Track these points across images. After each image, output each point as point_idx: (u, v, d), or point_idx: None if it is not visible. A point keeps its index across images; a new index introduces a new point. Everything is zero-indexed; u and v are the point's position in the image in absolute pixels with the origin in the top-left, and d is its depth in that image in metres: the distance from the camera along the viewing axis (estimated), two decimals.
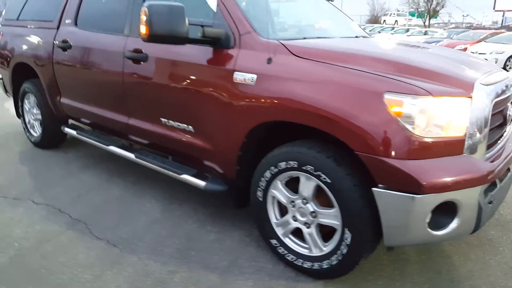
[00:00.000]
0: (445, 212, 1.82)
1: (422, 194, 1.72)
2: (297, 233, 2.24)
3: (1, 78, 4.78)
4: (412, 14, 39.62)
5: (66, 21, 3.58)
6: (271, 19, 2.77)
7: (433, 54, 2.61)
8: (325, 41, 2.61)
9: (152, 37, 2.26)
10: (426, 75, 1.94)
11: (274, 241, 2.29)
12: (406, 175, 1.72)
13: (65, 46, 3.48)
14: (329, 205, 2.04)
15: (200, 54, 2.47)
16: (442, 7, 43.81)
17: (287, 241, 2.26)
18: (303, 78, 2.01)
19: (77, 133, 3.67)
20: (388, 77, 1.84)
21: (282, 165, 2.11)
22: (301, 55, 2.10)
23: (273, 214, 2.30)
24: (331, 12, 3.33)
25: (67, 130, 3.80)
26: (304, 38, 2.46)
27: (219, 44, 2.38)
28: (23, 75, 4.35)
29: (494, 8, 49.78)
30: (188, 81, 2.54)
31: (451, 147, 1.83)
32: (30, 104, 4.32)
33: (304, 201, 2.11)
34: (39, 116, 4.19)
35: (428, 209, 1.78)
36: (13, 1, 4.62)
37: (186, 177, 2.71)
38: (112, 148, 3.28)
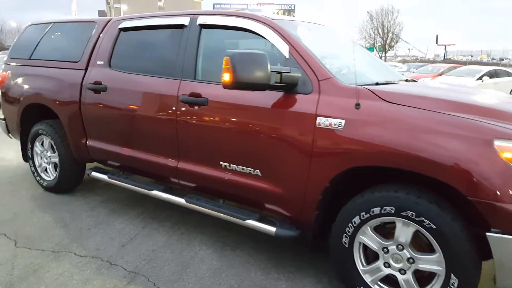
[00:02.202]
0: None
1: None
2: (386, 279, 2.23)
3: (4, 119, 4.50)
4: (370, 49, 41.96)
5: (98, 62, 3.47)
6: (336, 64, 2.83)
7: (493, 96, 2.76)
8: (404, 86, 2.67)
9: (236, 85, 2.25)
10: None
11: None
12: None
13: (98, 88, 3.36)
14: (428, 250, 2.06)
15: (271, 98, 2.48)
16: (396, 42, 46.78)
17: None
18: (401, 124, 2.06)
19: (108, 177, 3.49)
20: (491, 124, 1.92)
21: (376, 210, 2.12)
22: (392, 100, 2.15)
23: (359, 261, 2.28)
24: (370, 57, 3.46)
25: (95, 174, 3.60)
26: (377, 84, 2.53)
27: (295, 90, 2.40)
28: (34, 116, 4.14)
29: (436, 43, 54.08)
30: (257, 126, 2.52)
31: None
32: (43, 146, 4.07)
33: (400, 247, 2.12)
34: (55, 159, 3.96)
35: None
36: (22, 40, 4.43)
37: (252, 222, 2.65)
38: (156, 193, 3.16)
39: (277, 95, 2.46)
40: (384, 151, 2.07)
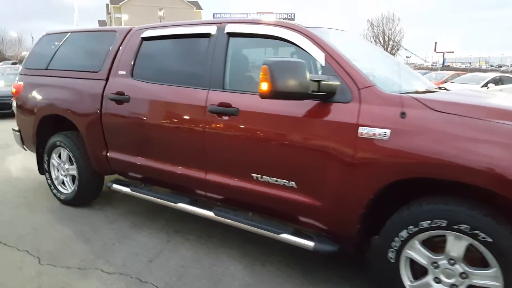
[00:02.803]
0: None
1: None
2: None
3: (19, 130, 4.42)
4: None
5: (119, 72, 3.40)
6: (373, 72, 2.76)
7: None
8: (446, 94, 2.58)
9: (274, 94, 2.18)
10: None
11: None
12: None
13: (121, 98, 3.29)
14: (481, 265, 1.97)
15: (306, 108, 2.40)
16: (397, 49, 46.95)
17: None
18: (451, 133, 1.97)
19: (131, 189, 3.40)
20: None
21: (425, 224, 2.03)
22: (440, 109, 2.07)
23: (406, 277, 2.19)
24: (399, 63, 3.39)
25: (116, 187, 3.51)
26: (417, 92, 2.46)
27: (333, 98, 2.33)
28: (50, 128, 4.06)
29: (435, 50, 54.32)
30: (293, 136, 2.44)
31: None
32: (60, 158, 3.98)
33: (451, 261, 2.03)
34: (73, 172, 3.87)
35: None
36: (38, 49, 4.37)
37: (287, 236, 2.56)
38: (182, 205, 3.07)
39: (312, 104, 2.39)
40: (434, 162, 1.98)
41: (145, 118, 3.16)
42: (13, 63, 37.96)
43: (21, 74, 4.39)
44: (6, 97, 11.19)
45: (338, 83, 2.32)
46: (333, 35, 2.85)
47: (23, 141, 4.43)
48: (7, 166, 5.51)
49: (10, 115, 10.98)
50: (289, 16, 41.81)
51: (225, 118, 2.71)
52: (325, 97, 2.32)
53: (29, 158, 5.71)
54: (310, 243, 2.47)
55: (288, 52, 2.88)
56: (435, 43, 53.66)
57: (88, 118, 3.56)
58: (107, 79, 3.48)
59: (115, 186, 3.52)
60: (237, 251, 3.07)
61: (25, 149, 4.52)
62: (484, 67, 56.32)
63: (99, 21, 53.16)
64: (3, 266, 2.81)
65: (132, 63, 3.35)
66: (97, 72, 3.56)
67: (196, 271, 2.78)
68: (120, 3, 45.63)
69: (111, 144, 3.48)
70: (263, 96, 2.23)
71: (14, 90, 4.37)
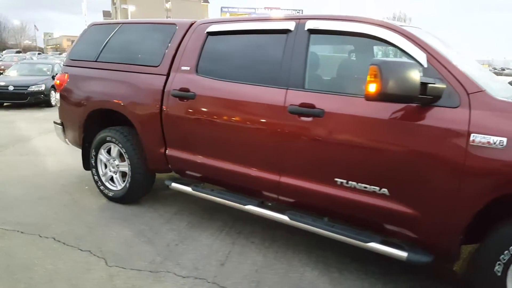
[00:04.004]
0: None
1: None
2: None
3: (61, 124, 4.29)
4: None
5: (182, 68, 3.27)
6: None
7: None
8: None
9: (383, 96, 2.07)
10: None
11: None
12: None
13: (185, 95, 3.16)
14: None
15: (405, 111, 2.28)
16: None
17: None
18: None
19: (192, 189, 3.28)
20: None
21: None
22: None
23: None
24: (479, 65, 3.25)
25: (176, 186, 3.39)
26: None
27: (438, 102, 2.21)
28: (98, 122, 3.94)
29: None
30: (390, 141, 2.33)
31: None
32: (109, 154, 3.86)
33: None
34: (124, 168, 3.75)
35: None
36: (84, 40, 4.23)
37: (376, 246, 2.45)
38: (251, 208, 2.96)
39: (412, 108, 2.27)
40: None
41: (212, 116, 3.04)
42: (17, 52, 37.74)
43: (65, 65, 4.26)
44: (21, 87, 11.05)
45: (444, 86, 2.20)
46: (421, 33, 2.72)
47: (65, 135, 4.30)
48: (42, 160, 5.37)
49: (27, 106, 10.88)
50: (298, 12, 41.52)
51: (307, 119, 2.59)
52: (429, 100, 2.20)
53: (61, 152, 5.63)
54: (402, 254, 2.36)
55: (373, 51, 2.75)
56: None
57: (146, 114, 3.44)
58: (167, 74, 3.35)
59: (174, 185, 3.40)
60: (306, 256, 2.97)
61: (67, 143, 4.39)
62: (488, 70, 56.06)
63: (103, 11, 52.73)
64: (71, 267, 2.70)
65: (197, 58, 3.22)
66: (156, 66, 3.43)
67: (272, 277, 2.67)
68: None
69: (171, 142, 3.36)
70: (370, 98, 2.11)
71: (57, 81, 4.23)
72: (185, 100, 3.17)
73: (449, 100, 2.19)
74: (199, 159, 3.20)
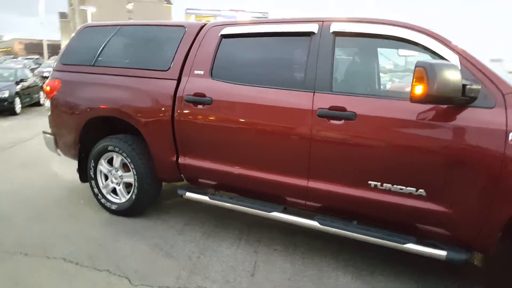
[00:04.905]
0: None
1: None
2: None
3: (53, 133, 4.02)
4: None
5: (195, 72, 3.14)
6: None
7: None
8: None
9: (429, 98, 2.07)
10: None
11: None
12: None
13: (201, 100, 3.04)
14: None
15: (441, 113, 2.30)
16: None
17: None
18: None
19: (210, 198, 3.15)
20: None
21: None
22: None
23: None
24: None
25: (191, 195, 3.25)
26: None
27: (473, 103, 2.23)
28: (96, 131, 3.73)
29: (398, 54, 56.38)
30: (427, 143, 2.33)
31: None
32: (111, 165, 3.66)
33: None
34: (129, 179, 3.56)
35: None
36: (77, 44, 3.98)
37: (414, 246, 2.45)
38: (277, 215, 2.88)
39: (446, 109, 2.28)
40: None
41: (233, 122, 2.94)
42: None
43: (56, 70, 3.98)
44: None
45: (479, 87, 2.23)
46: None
47: (57, 145, 4.04)
48: (23, 174, 5.01)
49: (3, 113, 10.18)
50: (264, 15, 41.72)
51: (338, 122, 2.56)
52: (467, 102, 2.22)
53: (42, 164, 5.30)
54: (442, 253, 2.38)
55: (396, 53, 2.76)
56: None
57: (155, 121, 3.27)
58: (178, 79, 3.21)
59: (189, 194, 3.26)
60: (334, 260, 2.93)
61: (59, 154, 4.12)
62: None
63: (59, 13, 50.56)
64: None
65: (211, 62, 3.11)
66: (165, 71, 3.27)
67: (306, 284, 2.62)
68: None
69: (185, 149, 3.21)
70: (416, 100, 2.11)
71: (48, 88, 3.95)
72: (201, 106, 3.04)
73: (484, 101, 2.22)
74: (217, 166, 3.08)
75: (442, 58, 2.37)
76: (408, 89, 2.28)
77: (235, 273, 2.72)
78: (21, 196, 4.12)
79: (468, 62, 2.32)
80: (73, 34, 4.13)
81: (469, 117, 2.24)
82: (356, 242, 2.64)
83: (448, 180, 2.30)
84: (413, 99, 2.11)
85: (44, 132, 4.12)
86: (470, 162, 2.22)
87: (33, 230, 3.32)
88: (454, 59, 2.34)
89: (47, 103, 3.98)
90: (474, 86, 2.20)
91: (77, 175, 3.89)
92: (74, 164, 3.87)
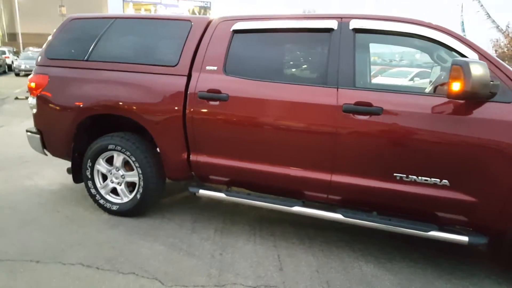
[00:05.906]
0: None
1: None
2: None
3: (39, 132, 3.75)
4: None
5: (207, 68, 3.08)
6: None
7: None
8: None
9: (466, 94, 2.23)
10: None
11: None
12: None
13: (216, 97, 2.99)
14: None
15: (465, 107, 2.46)
16: None
17: None
18: None
19: (226, 194, 3.12)
20: None
21: None
22: None
23: None
24: None
25: (205, 192, 3.19)
26: None
27: (493, 98, 2.42)
28: (91, 129, 3.55)
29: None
30: (451, 136, 2.48)
31: None
32: (110, 164, 3.49)
33: None
34: (132, 178, 3.42)
35: None
36: (64, 37, 3.72)
37: (437, 234, 2.63)
38: (299, 209, 2.94)
39: (469, 103, 2.45)
40: None
41: (252, 118, 2.92)
42: None
43: (41, 65, 3.70)
44: None
45: (498, 83, 2.42)
46: None
47: (44, 145, 3.77)
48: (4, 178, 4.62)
49: None
50: (206, 4, 41.02)
51: (364, 117, 2.65)
52: (490, 97, 2.40)
53: (14, 166, 4.90)
54: (464, 238, 2.57)
55: (414, 52, 2.90)
56: None
57: (165, 118, 3.16)
58: (189, 75, 3.13)
59: (202, 191, 3.20)
60: (351, 251, 3.05)
61: (46, 154, 3.86)
62: None
63: None
64: None
65: (224, 57, 3.06)
66: (173, 66, 3.17)
67: (335, 275, 2.70)
68: None
69: (198, 146, 3.15)
70: (453, 96, 2.25)
71: (32, 84, 3.67)
72: (216, 102, 3.00)
73: (504, 96, 2.42)
74: (233, 162, 3.05)
75: (464, 56, 2.54)
76: (429, 85, 2.42)
77: (264, 268, 2.73)
78: (4, 202, 3.80)
79: (487, 60, 2.50)
80: (58, 27, 3.85)
81: (490, 111, 2.42)
82: (365, 231, 2.76)
83: (470, 170, 2.48)
84: (451, 95, 2.25)
85: (29, 131, 3.83)
86: (492, 152, 2.41)
87: (34, 237, 3.09)
88: (475, 57, 2.51)
89: (32, 100, 3.70)
90: (495, 82, 2.39)
91: (52, 176, 3.65)
92: (47, 164, 3.61)
